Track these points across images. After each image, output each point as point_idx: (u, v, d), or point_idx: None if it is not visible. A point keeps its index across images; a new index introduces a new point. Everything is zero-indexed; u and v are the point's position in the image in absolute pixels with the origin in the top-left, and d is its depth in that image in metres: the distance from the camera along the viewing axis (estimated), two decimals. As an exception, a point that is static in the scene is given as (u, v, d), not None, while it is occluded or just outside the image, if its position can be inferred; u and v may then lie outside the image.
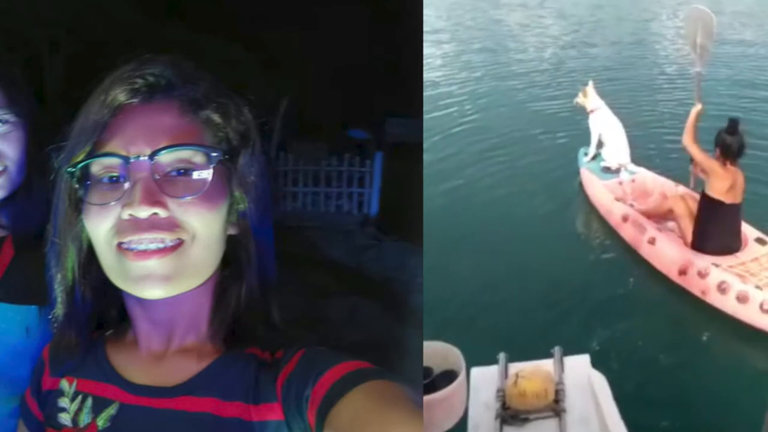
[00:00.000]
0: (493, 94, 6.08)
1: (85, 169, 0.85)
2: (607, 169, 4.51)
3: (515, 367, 2.21)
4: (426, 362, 1.93)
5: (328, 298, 5.02)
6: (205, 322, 0.90)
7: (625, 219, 3.98)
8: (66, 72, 6.24)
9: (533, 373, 2.14)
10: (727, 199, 3.44)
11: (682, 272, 3.47)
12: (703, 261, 3.42)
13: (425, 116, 5.70)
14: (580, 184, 4.66)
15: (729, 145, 3.41)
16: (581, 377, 2.18)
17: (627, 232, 3.93)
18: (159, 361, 0.90)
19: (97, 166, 0.84)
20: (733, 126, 3.44)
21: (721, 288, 3.27)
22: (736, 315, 3.22)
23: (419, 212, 4.34)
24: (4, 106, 1.17)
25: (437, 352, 1.97)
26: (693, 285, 3.41)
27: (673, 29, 8.97)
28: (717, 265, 3.37)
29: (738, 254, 3.45)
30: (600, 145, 4.67)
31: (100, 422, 0.88)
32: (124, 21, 6.27)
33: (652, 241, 3.71)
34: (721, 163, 3.45)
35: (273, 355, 0.86)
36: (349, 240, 6.98)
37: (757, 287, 3.19)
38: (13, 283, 1.16)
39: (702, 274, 3.37)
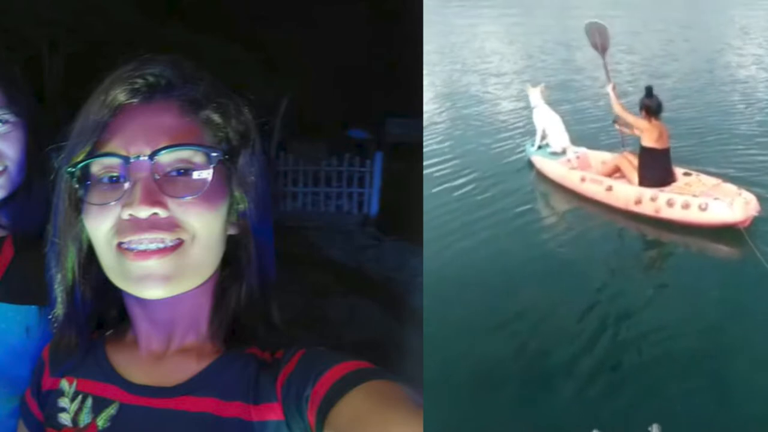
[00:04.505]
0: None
1: (85, 169, 0.85)
2: (554, 153, 5.42)
3: None
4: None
5: (328, 298, 5.02)
6: (205, 322, 0.90)
7: (582, 180, 4.93)
8: (66, 72, 6.23)
9: None
10: (659, 146, 4.52)
11: (638, 202, 4.48)
12: (651, 191, 4.46)
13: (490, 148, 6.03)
14: (534, 170, 5.44)
15: (650, 105, 4.47)
16: None
17: (587, 189, 4.86)
18: (159, 361, 0.90)
19: (97, 166, 0.84)
20: (649, 91, 4.52)
21: (670, 203, 4.31)
22: (683, 219, 4.24)
23: (419, 212, 4.34)
24: (4, 106, 1.16)
25: None
26: (648, 208, 4.42)
27: (744, 57, 9.30)
28: (662, 191, 4.44)
29: (673, 185, 4.52)
30: (543, 136, 5.59)
31: (100, 422, 0.87)
32: (124, 21, 6.26)
33: (609, 189, 4.69)
34: (648, 120, 4.49)
35: (273, 355, 0.86)
36: (349, 240, 6.98)
37: (694, 195, 4.28)
38: (13, 283, 1.16)
39: (653, 198, 4.41)
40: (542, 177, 5.31)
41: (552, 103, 5.87)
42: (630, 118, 4.65)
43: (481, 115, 7.22)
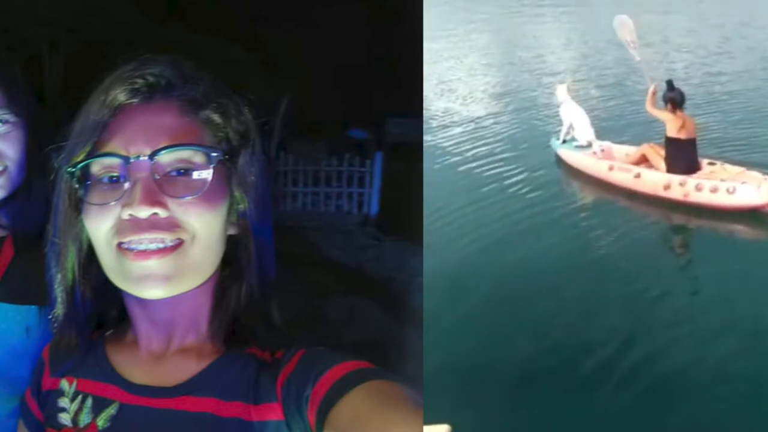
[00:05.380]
0: (611, 119, 6.38)
1: (85, 169, 0.85)
2: (580, 146, 5.69)
3: None
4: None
5: (328, 298, 5.02)
6: (205, 322, 0.90)
7: (611, 168, 5.16)
8: (66, 72, 6.23)
9: None
10: (683, 135, 4.78)
11: (667, 187, 4.72)
12: (679, 176, 4.70)
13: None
14: (561, 162, 5.67)
15: (673, 97, 4.82)
16: None
17: (615, 177, 5.08)
18: (159, 361, 0.90)
19: (97, 166, 0.84)
20: (670, 85, 4.89)
21: (698, 188, 4.54)
22: (712, 203, 4.46)
23: (419, 212, 4.35)
24: (4, 106, 1.16)
25: None
26: (677, 193, 4.65)
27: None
28: (690, 177, 4.67)
29: (699, 173, 4.76)
30: (569, 130, 5.88)
31: (100, 422, 0.87)
32: (124, 21, 6.26)
33: (638, 176, 4.93)
34: (672, 112, 4.80)
35: (273, 355, 0.86)
36: (349, 240, 6.98)
37: (722, 180, 4.54)
38: (13, 283, 1.15)
39: (682, 183, 4.65)
40: (569, 169, 5.53)
41: (605, 100, 5.97)
42: (656, 112, 4.97)
43: (538, 112, 7.31)
